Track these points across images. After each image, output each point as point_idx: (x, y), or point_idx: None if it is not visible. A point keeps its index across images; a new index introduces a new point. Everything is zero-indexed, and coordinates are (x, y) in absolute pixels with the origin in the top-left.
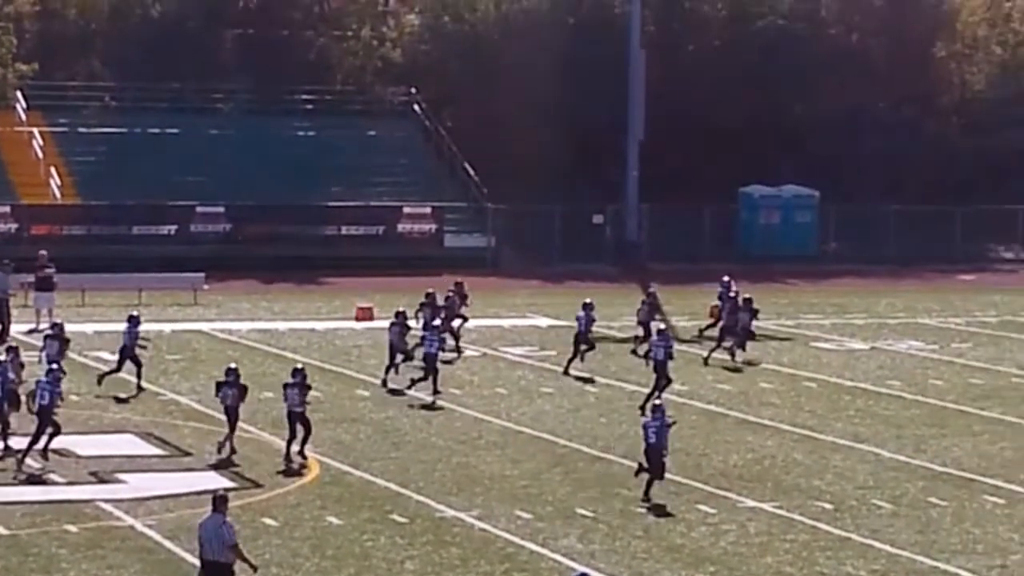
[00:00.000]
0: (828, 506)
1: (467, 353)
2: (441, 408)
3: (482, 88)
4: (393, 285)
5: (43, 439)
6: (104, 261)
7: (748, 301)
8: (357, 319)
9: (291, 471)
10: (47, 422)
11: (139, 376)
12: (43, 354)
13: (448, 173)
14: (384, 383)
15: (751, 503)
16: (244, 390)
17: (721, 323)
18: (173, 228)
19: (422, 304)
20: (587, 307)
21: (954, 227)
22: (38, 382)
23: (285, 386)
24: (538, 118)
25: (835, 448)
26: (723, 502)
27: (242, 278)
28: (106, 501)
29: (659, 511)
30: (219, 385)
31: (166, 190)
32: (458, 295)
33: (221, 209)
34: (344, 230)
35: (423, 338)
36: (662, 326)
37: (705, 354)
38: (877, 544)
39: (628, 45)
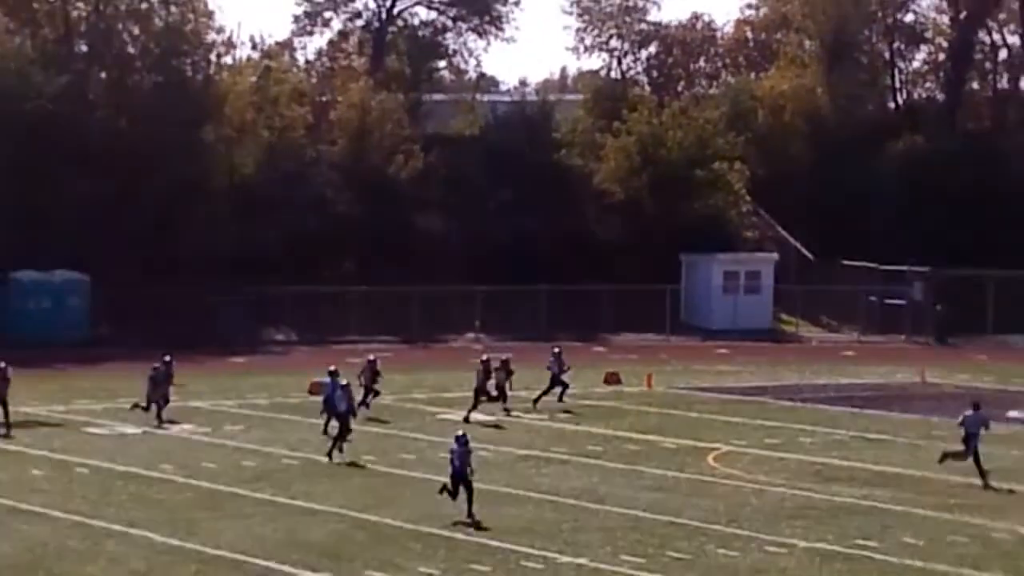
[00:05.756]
0: None
1: None
2: None
3: None
4: None
5: None
6: None
7: (505, 363)
8: None
9: None
10: None
11: None
12: None
13: None
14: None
15: None
16: None
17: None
18: None
19: (362, 371)
20: (556, 354)
21: (226, 309)
22: None
23: None
24: None
25: (108, 534)
26: None
27: None
28: None
29: None
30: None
31: None
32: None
33: None
34: None
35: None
36: (343, 381)
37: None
38: None
39: None
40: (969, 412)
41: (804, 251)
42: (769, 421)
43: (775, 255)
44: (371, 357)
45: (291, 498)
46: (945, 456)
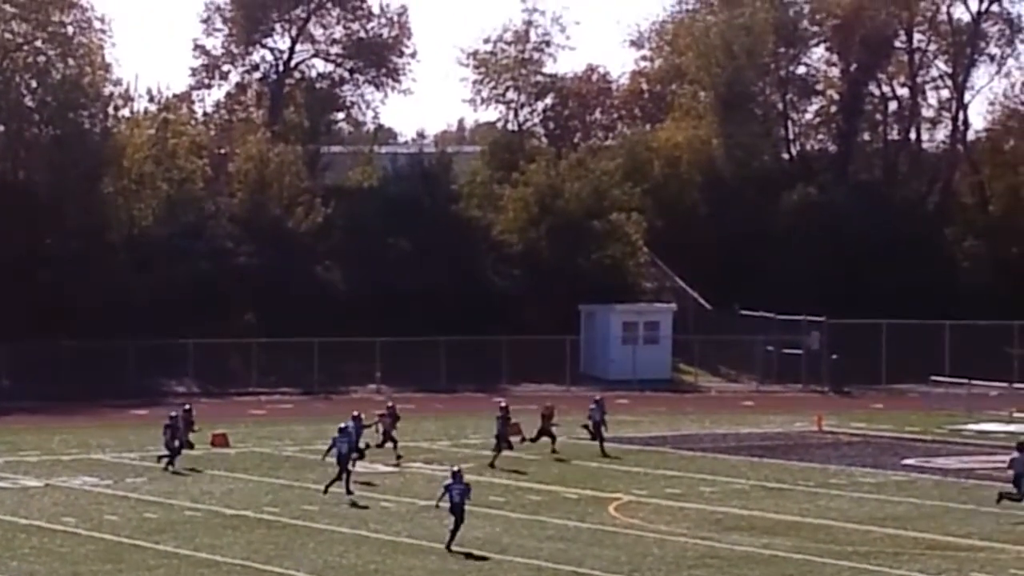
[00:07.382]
0: None
1: None
2: None
3: None
4: None
5: None
6: None
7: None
8: None
9: None
10: None
11: None
12: None
13: None
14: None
15: None
16: None
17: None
18: None
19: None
20: (598, 402)
21: (127, 361)
22: None
23: None
24: None
25: None
26: None
27: None
28: None
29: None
30: None
31: None
32: (391, 415)
33: None
34: None
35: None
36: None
37: None
38: None
39: None
40: (1016, 454)
41: (702, 301)
42: (670, 471)
43: (673, 305)
44: (390, 403)
45: (194, 550)
46: (1002, 497)
